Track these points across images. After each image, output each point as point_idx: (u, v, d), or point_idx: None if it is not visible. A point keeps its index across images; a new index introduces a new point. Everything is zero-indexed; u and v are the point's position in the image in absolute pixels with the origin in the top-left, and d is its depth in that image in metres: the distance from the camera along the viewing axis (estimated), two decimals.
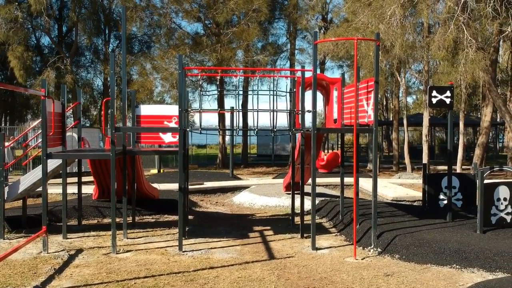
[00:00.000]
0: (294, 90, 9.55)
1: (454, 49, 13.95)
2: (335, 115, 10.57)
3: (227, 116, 21.11)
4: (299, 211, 11.97)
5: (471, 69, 12.96)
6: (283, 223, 10.64)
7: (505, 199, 8.68)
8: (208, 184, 15.96)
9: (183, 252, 7.89)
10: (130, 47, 25.06)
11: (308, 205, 12.33)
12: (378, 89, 8.16)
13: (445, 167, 25.22)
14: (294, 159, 10.35)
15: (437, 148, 37.39)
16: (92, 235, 9.10)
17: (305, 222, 10.23)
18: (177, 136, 10.00)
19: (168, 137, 10.00)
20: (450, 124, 9.51)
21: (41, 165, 8.84)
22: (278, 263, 7.33)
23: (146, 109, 10.00)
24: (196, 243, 8.52)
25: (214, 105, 23.54)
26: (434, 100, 9.30)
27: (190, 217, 11.29)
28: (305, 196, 11.94)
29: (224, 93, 8.57)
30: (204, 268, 6.98)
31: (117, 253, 7.78)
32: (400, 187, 15.62)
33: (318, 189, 14.57)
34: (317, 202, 12.36)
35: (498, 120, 33.45)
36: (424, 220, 9.31)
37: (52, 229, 9.46)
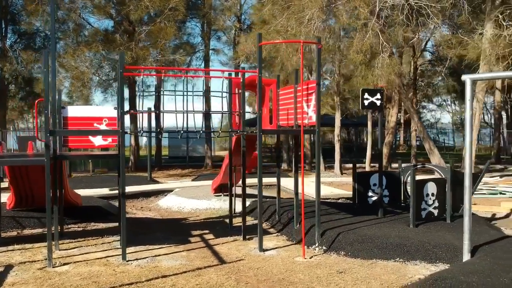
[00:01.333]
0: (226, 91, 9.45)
1: (370, 54, 14.73)
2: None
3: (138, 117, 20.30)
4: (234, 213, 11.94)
5: (388, 73, 13.79)
6: (220, 226, 10.49)
7: (432, 194, 9.33)
8: (129, 189, 15.23)
9: (127, 261, 7.45)
10: (32, 43, 23.16)
11: (240, 206, 12.34)
12: (320, 90, 8.34)
13: (351, 165, 26.43)
14: (231, 161, 10.24)
15: (341, 148, 39.22)
16: (17, 249, 8.25)
17: (240, 223, 10.20)
18: (108, 139, 9.48)
19: (98, 140, 9.40)
20: (380, 125, 10.00)
21: None
22: (231, 267, 7.20)
23: (73, 111, 9.31)
24: (138, 251, 8.09)
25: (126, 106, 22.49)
26: (366, 102, 9.70)
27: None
28: (236, 198, 11.91)
29: (165, 93, 8.06)
30: (156, 277, 6.64)
31: (53, 267, 7.13)
32: (321, 185, 16.11)
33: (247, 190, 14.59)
34: (248, 203, 12.36)
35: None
36: (358, 217, 9.67)
37: None
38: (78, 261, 7.47)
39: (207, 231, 9.83)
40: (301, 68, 7.94)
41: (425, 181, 9.32)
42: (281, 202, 11.07)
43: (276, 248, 8.39)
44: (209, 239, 9.10)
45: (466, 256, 7.01)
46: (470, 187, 6.95)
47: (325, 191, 14.36)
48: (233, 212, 11.97)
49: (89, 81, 19.26)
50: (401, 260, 7.46)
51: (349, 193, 14.72)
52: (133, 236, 9.30)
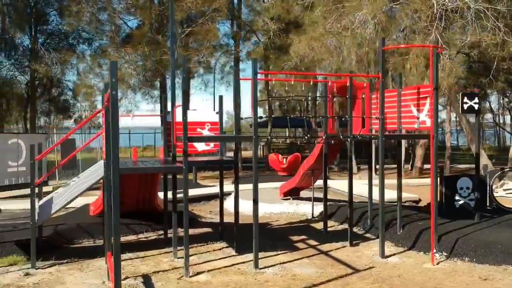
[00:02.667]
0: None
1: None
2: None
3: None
4: (309, 217, 11.88)
5: (454, 74, 13.84)
6: (313, 231, 10.38)
7: None
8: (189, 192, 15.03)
9: (260, 269, 7.34)
10: (62, 43, 22.72)
11: (316, 210, 12.26)
12: (437, 95, 8.28)
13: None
14: (326, 164, 10.15)
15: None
16: (132, 257, 8.06)
17: (331, 228, 10.18)
18: (211, 144, 9.36)
19: (201, 146, 9.26)
20: (477, 128, 9.98)
21: (76, 178, 7.75)
22: (369, 275, 7.10)
23: (178, 115, 9.13)
24: (259, 259, 7.94)
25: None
26: (465, 106, 9.67)
27: (208, 229, 10.60)
28: (307, 202, 11.84)
29: (294, 97, 8.20)
30: (309, 287, 6.53)
31: (190, 277, 6.99)
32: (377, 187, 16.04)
33: (305, 193, 14.49)
34: (321, 207, 12.24)
35: None
36: (457, 222, 9.52)
37: (73, 252, 8.29)
38: (209, 270, 7.32)
39: (305, 237, 9.70)
40: (430, 74, 7.87)
41: None
42: (361, 206, 11.06)
43: (393, 254, 8.29)
44: (316, 245, 8.98)
45: None
46: None
47: (388, 194, 14.08)
48: (312, 216, 11.99)
49: (128, 82, 19.01)
50: None
51: (413, 195, 14.64)
52: (239, 242, 9.10)
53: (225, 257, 8.12)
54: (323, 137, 8.91)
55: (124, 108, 19.68)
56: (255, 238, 7.43)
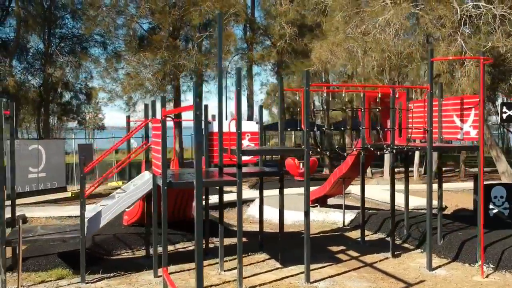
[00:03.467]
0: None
1: (453, 62, 14.76)
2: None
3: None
4: (340, 226, 11.83)
5: (472, 81, 13.85)
6: (349, 241, 10.32)
7: None
8: (211, 198, 14.96)
9: (312, 283, 7.28)
10: (75, 47, 22.52)
11: (347, 218, 12.20)
12: (484, 106, 8.24)
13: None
14: (363, 174, 10.10)
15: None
16: (178, 270, 7.99)
17: (366, 237, 10.10)
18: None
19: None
20: None
21: (120, 191, 7.68)
22: None
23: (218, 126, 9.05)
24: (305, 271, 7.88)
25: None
26: (504, 116, 9.61)
27: (243, 239, 10.48)
28: (335, 209, 11.77)
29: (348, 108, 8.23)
30: None
31: None
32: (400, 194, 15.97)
33: (332, 201, 14.46)
34: (354, 216, 12.20)
35: None
36: (498, 232, 9.43)
37: (117, 265, 8.22)
38: (261, 284, 7.27)
39: (343, 247, 9.64)
40: (481, 84, 7.81)
41: None
42: (398, 214, 10.99)
43: (439, 266, 8.23)
44: (358, 257, 8.91)
45: None
46: None
47: (414, 201, 14.00)
48: (343, 225, 11.94)
49: (146, 87, 18.91)
50: None
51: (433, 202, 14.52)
52: (281, 254, 9.00)
53: (271, 270, 8.06)
54: (369, 147, 8.84)
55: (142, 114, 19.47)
56: (306, 251, 7.38)
